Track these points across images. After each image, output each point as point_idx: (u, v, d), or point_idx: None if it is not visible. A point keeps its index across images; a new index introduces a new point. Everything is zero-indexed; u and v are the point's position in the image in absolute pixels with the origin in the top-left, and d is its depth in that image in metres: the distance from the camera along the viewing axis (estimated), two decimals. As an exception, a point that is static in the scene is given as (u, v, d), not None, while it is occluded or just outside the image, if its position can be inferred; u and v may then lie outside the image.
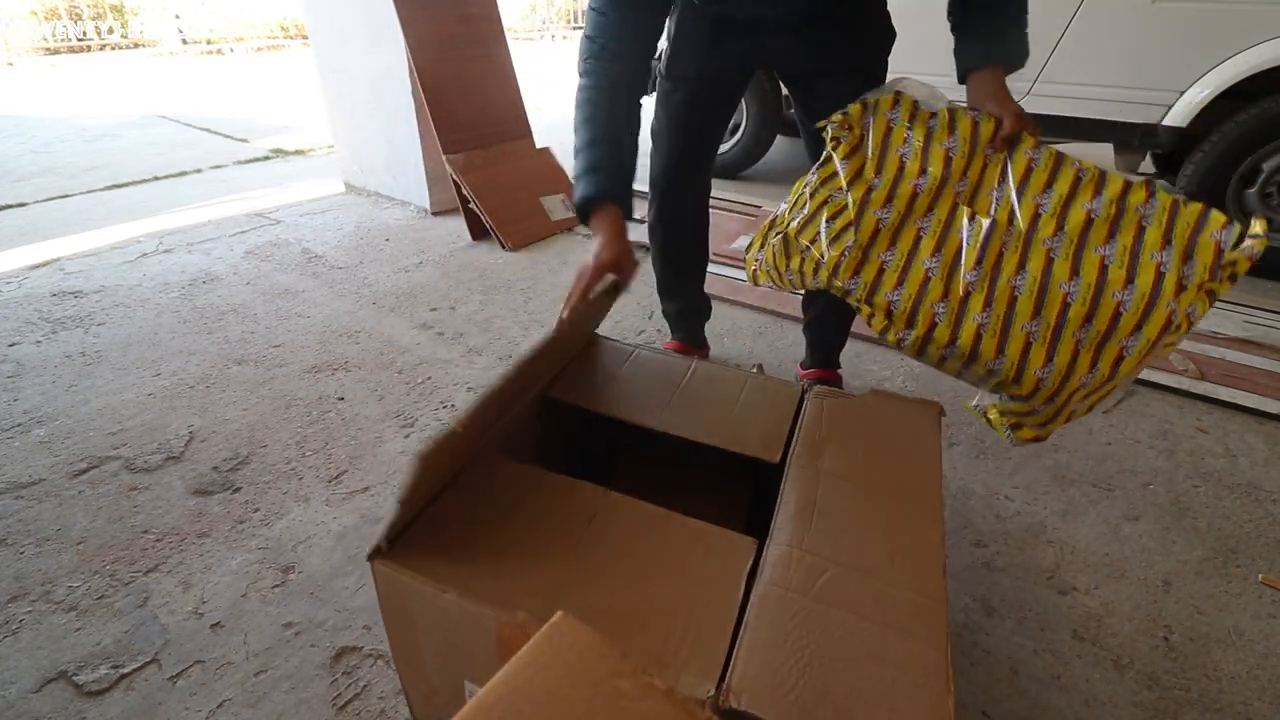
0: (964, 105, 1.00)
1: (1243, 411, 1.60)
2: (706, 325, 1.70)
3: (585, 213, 1.03)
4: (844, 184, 1.03)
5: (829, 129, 1.04)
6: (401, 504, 0.69)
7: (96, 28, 9.18)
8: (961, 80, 1.04)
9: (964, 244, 0.96)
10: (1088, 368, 0.88)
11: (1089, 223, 0.91)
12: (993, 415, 0.99)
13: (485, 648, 0.70)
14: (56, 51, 8.73)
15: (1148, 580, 1.14)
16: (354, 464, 1.38)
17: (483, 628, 0.68)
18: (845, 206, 1.01)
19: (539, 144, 2.90)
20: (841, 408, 0.98)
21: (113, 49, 9.17)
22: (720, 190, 1.59)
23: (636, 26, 1.06)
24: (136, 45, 9.44)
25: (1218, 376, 1.71)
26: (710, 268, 1.62)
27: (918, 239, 0.99)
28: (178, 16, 9.62)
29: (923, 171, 0.98)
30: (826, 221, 1.02)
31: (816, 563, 0.72)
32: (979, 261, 0.94)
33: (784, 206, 1.14)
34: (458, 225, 2.68)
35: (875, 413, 0.97)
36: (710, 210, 1.52)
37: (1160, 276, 0.85)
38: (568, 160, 2.79)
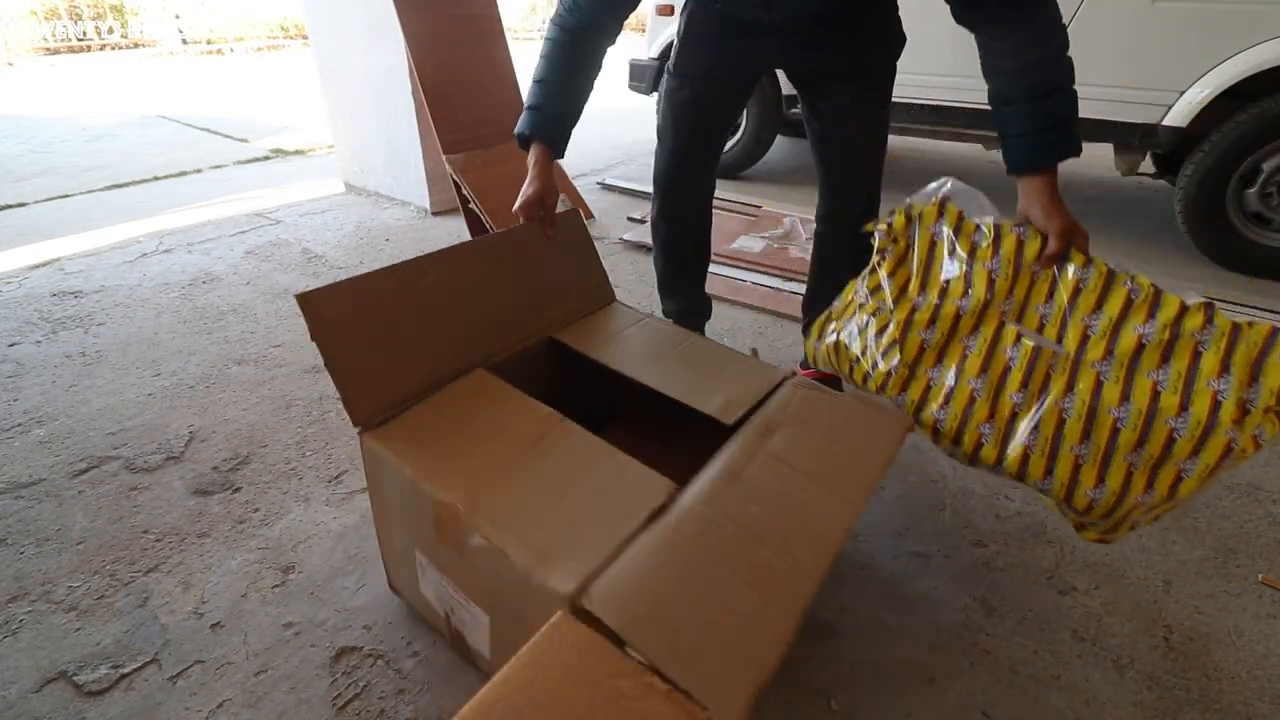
0: (1011, 220, 0.97)
1: (1243, 411, 1.60)
2: (707, 325, 1.70)
3: (524, 144, 1.16)
4: (889, 301, 1.05)
5: (875, 238, 1.06)
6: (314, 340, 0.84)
7: (96, 28, 9.18)
8: (1011, 174, 0.99)
9: (1010, 365, 0.96)
10: (1143, 489, 0.86)
11: (1140, 347, 0.88)
12: (1059, 508, 0.98)
13: (427, 523, 0.83)
14: (56, 51, 8.73)
15: (1148, 580, 1.14)
16: (354, 464, 1.38)
17: (425, 505, 0.81)
18: (889, 324, 1.03)
19: (539, 144, 2.90)
20: (812, 400, 1.00)
21: (113, 49, 9.17)
22: (721, 190, 1.58)
23: None
24: (136, 45, 9.44)
25: (1218, 376, 1.70)
26: (710, 267, 1.62)
27: (963, 357, 0.99)
28: (178, 16, 9.62)
29: (966, 293, 0.98)
30: (875, 335, 1.05)
31: (715, 519, 0.76)
32: (1024, 384, 0.93)
33: (837, 303, 1.17)
34: (458, 225, 2.68)
35: (843, 411, 0.98)
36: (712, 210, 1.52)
37: (1217, 405, 0.82)
38: (567, 160, 2.78)
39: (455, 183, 2.53)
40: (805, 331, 1.58)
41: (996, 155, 4.05)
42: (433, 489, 0.78)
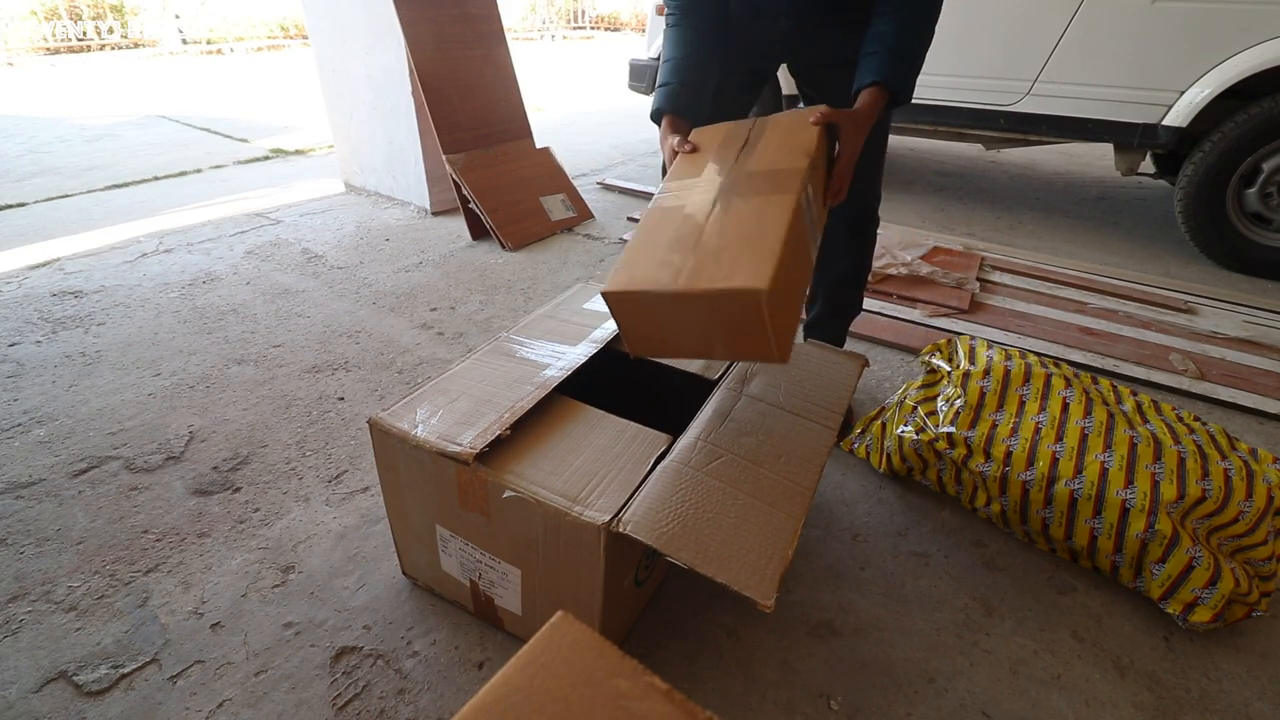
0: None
1: (1243, 411, 1.60)
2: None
3: (657, 119, 1.14)
4: (945, 368, 1.34)
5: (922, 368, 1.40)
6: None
7: (96, 28, 9.18)
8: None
9: (1068, 401, 1.18)
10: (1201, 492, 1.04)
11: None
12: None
13: (448, 492, 0.90)
14: (56, 51, 8.73)
15: (1148, 580, 1.14)
16: (354, 464, 1.37)
17: (447, 475, 0.88)
18: (948, 385, 1.30)
19: (539, 144, 2.90)
20: None
21: (113, 49, 9.17)
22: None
23: None
24: (136, 45, 9.43)
25: (1218, 376, 1.71)
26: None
27: (1022, 401, 1.20)
28: (178, 16, 9.61)
29: (1009, 359, 1.29)
30: (939, 401, 1.29)
31: (715, 450, 0.89)
32: (1088, 413, 1.16)
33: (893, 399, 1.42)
34: (458, 225, 2.68)
35: (807, 357, 1.14)
36: None
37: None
38: (568, 160, 2.76)
39: (455, 183, 2.53)
40: (806, 331, 1.58)
41: (996, 155, 4.05)
42: (452, 459, 0.86)
